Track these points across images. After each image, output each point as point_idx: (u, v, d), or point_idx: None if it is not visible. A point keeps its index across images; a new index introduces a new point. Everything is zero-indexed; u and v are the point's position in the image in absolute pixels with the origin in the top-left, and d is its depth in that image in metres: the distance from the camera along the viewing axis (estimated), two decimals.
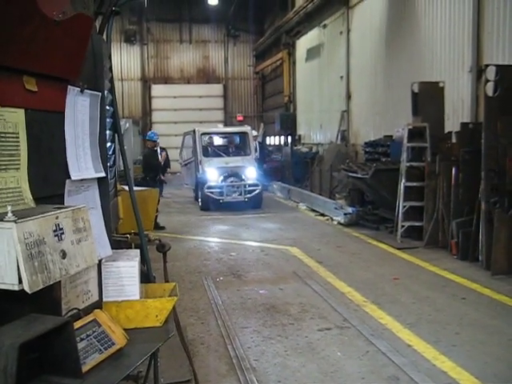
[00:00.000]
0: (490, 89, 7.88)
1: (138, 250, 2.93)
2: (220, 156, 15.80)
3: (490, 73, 7.97)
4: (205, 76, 29.29)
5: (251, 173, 14.72)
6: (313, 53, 21.47)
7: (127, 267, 2.68)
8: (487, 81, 7.97)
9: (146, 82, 28.49)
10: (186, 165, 17.25)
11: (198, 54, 29.23)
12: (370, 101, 15.93)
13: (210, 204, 14.44)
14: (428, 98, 9.99)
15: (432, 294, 6.68)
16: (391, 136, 12.71)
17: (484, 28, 10.34)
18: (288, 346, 5.15)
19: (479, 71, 10.21)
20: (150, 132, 14.44)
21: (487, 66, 8.32)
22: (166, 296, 2.86)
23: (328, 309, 6.23)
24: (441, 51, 11.87)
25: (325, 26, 19.84)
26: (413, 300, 6.48)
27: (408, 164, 9.68)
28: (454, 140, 9.52)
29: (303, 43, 22.80)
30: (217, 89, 29.36)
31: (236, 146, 17.04)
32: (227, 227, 12.14)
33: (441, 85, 10.16)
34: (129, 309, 2.59)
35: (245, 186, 14.27)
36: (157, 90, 28.49)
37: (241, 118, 28.36)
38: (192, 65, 29.16)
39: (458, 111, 11.01)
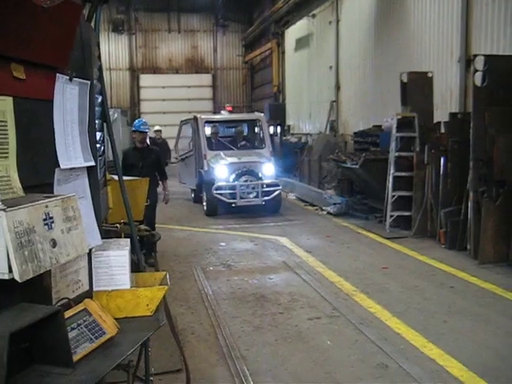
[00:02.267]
0: (478, 79, 7.91)
1: (128, 240, 2.92)
2: (228, 149, 12.98)
3: (479, 63, 8.00)
4: (193, 66, 29.13)
5: (269, 170, 12.13)
6: (302, 43, 21.42)
7: (117, 256, 2.68)
8: (476, 71, 8.00)
9: (135, 72, 28.29)
10: (182, 159, 14.39)
11: (186, 43, 29.04)
12: (359, 91, 15.94)
13: (219, 208, 11.95)
14: (417, 88, 10.01)
15: (420, 282, 6.73)
16: (380, 126, 12.73)
17: (472, 18, 10.36)
18: (278, 335, 5.18)
19: (468, 61, 10.24)
20: (137, 121, 8.92)
21: (476, 56, 8.35)
22: (157, 285, 2.86)
23: (318, 298, 6.26)
24: (429, 41, 11.89)
25: (314, 16, 19.78)
26: (401, 289, 6.52)
27: (397, 154, 9.71)
28: (442, 130, 9.55)
29: (292, 33, 22.74)
30: (206, 79, 29.22)
31: (246, 137, 14.55)
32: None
33: (429, 75, 10.18)
34: (119, 298, 2.58)
35: (262, 186, 11.65)
36: (145, 79, 28.31)
37: (230, 109, 28.26)
38: (180, 54, 28.98)
39: (446, 101, 11.05)
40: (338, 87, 17.74)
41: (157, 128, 16.52)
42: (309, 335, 5.15)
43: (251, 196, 11.69)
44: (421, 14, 12.26)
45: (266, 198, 11.65)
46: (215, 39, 29.27)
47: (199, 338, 5.14)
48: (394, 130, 9.80)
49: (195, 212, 12.62)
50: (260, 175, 11.84)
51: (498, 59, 8.00)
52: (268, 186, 11.75)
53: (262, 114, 14.26)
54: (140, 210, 4.01)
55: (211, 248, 8.89)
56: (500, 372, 4.28)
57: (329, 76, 18.30)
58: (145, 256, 3.62)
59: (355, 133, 14.49)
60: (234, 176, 11.71)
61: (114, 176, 3.99)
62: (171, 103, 27.28)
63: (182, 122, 14.86)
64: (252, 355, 4.72)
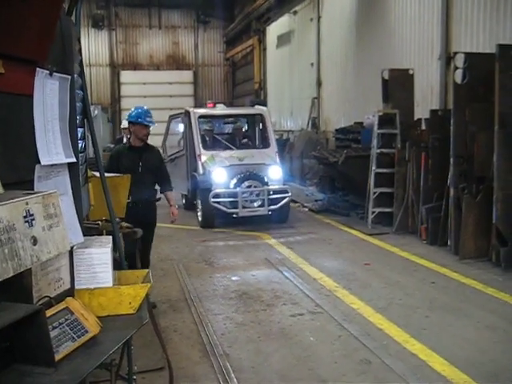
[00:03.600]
0: (458, 76, 7.97)
1: (110, 237, 2.89)
2: (227, 148, 11.12)
3: (459, 60, 8.06)
4: (174, 62, 28.94)
5: (276, 173, 10.41)
6: (283, 39, 21.41)
7: (99, 254, 2.64)
8: (456, 68, 8.06)
9: (115, 68, 28.02)
10: (171, 160, 12.25)
11: (167, 39, 28.84)
12: (341, 88, 15.99)
13: (216, 219, 10.22)
14: (398, 85, 10.06)
15: (402, 278, 6.78)
16: (361, 123, 12.79)
17: (453, 16, 10.44)
18: (261, 331, 5.17)
19: (448, 58, 10.32)
20: (135, 109, 6.24)
21: (456, 53, 8.41)
22: (139, 283, 2.83)
23: (300, 295, 6.27)
24: (410, 38, 11.96)
25: (295, 13, 19.78)
26: (384, 285, 6.56)
27: (378, 151, 9.76)
28: (423, 127, 9.62)
29: (274, 30, 22.72)
30: (187, 75, 29.05)
31: (246, 135, 12.44)
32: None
33: (410, 72, 10.25)
34: (102, 296, 2.54)
35: (269, 193, 9.94)
36: (126, 76, 28.06)
37: (211, 105, 28.17)
38: (161, 51, 28.76)
39: (427, 98, 11.13)
40: (319, 84, 17.77)
41: (126, 125, 13.96)
42: (292, 332, 5.15)
43: (255, 205, 9.97)
44: (401, 10, 12.32)
45: (273, 207, 9.93)
46: (196, 35, 29.11)
47: (182, 336, 5.12)
48: (375, 127, 9.85)
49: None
50: (266, 180, 10.09)
51: (477, 56, 8.07)
52: (275, 192, 10.05)
53: (266, 108, 12.29)
54: (122, 207, 3.97)
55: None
56: (481, 366, 4.32)
57: (310, 73, 18.32)
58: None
59: (337, 130, 14.53)
60: (234, 181, 9.98)
61: (95, 173, 3.94)
62: (152, 100, 27.02)
63: (170, 116, 13.24)
64: (235, 352, 4.71)
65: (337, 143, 14.22)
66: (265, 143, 11.57)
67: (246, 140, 12.08)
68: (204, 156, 10.57)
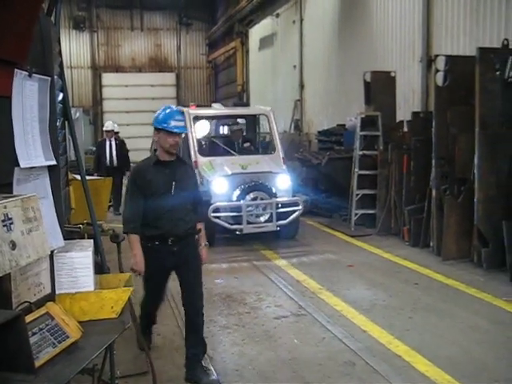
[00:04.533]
0: (439, 79, 8.03)
1: (92, 240, 2.85)
2: (227, 154, 9.76)
3: (440, 63, 8.12)
4: (157, 65, 28.82)
5: (284, 183, 9.02)
6: (266, 42, 21.43)
7: (81, 258, 2.61)
8: (437, 71, 8.12)
9: (97, 71, 27.82)
10: None
11: (149, 42, 28.71)
12: (323, 90, 16.04)
13: (216, 236, 8.66)
14: (380, 88, 10.12)
15: (386, 280, 6.80)
16: (344, 125, 12.83)
17: (434, 19, 10.53)
18: (245, 334, 5.15)
19: (429, 61, 10.40)
20: (163, 111, 4.25)
21: (437, 56, 8.48)
22: (121, 287, 2.80)
23: (284, 297, 6.26)
24: (392, 41, 12.04)
25: (278, 15, 19.81)
26: (367, 286, 6.58)
27: (361, 152, 9.80)
28: (405, 129, 9.69)
29: (256, 32, 22.73)
30: (169, 78, 28.94)
31: (247, 138, 10.85)
32: None
33: (392, 74, 10.31)
34: (83, 300, 2.51)
35: (277, 206, 8.62)
36: (107, 78, 27.87)
37: (194, 108, 28.08)
38: (144, 53, 28.63)
39: (409, 100, 11.20)
40: (302, 86, 17.81)
41: (106, 127, 12.78)
42: (276, 334, 5.13)
43: (262, 220, 8.63)
44: (383, 13, 12.40)
45: (282, 222, 8.63)
46: (179, 38, 29.02)
47: (165, 339, 5.07)
48: (357, 129, 9.89)
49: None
50: (274, 191, 8.74)
51: (458, 59, 8.13)
52: (284, 205, 8.73)
53: (270, 108, 10.63)
54: (103, 210, 3.96)
55: None
56: (464, 366, 4.34)
57: (293, 75, 18.36)
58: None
59: (319, 132, 14.57)
60: (237, 192, 8.64)
61: (76, 176, 3.90)
62: (134, 102, 26.93)
63: None
64: (219, 355, 4.68)
65: (319, 145, 14.24)
66: (269, 148, 10.37)
67: (247, 144, 10.56)
68: (201, 163, 9.17)
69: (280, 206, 8.66)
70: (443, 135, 7.81)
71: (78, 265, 2.59)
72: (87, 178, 3.27)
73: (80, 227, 3.34)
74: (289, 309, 5.83)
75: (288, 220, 8.66)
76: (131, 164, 12.00)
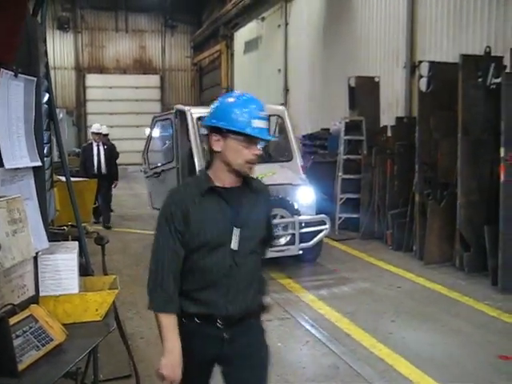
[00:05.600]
0: (423, 84, 8.11)
1: (77, 242, 2.83)
2: None
3: (424, 69, 8.19)
4: (141, 66, 28.72)
5: (307, 197, 7.85)
6: (251, 45, 21.47)
7: (65, 260, 2.59)
8: (421, 76, 8.19)
9: (81, 72, 27.65)
10: (157, 175, 9.57)
11: (134, 43, 28.61)
12: (308, 94, 16.11)
13: None
14: (364, 93, 10.19)
15: (369, 284, 6.83)
16: (328, 129, 12.89)
17: (417, 25, 10.64)
18: None
19: (413, 67, 10.49)
20: (229, 99, 2.37)
21: (420, 62, 8.56)
22: (106, 289, 2.78)
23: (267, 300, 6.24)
24: (376, 46, 12.14)
25: (263, 19, 19.87)
26: (351, 290, 6.60)
27: (345, 157, 9.85)
28: (389, 134, 9.76)
29: (241, 35, 22.77)
30: (154, 80, 28.86)
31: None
32: None
33: (376, 79, 10.39)
34: (67, 303, 2.49)
35: (300, 226, 7.31)
36: (91, 79, 27.71)
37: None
38: (128, 55, 28.52)
39: (392, 105, 11.29)
40: (286, 90, 17.87)
41: (97, 129, 11.18)
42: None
43: (282, 242, 7.31)
44: (368, 18, 12.50)
45: (305, 244, 7.31)
46: (163, 40, 28.96)
47: (149, 343, 5.04)
48: (342, 133, 9.95)
49: None
50: (296, 207, 7.47)
51: (441, 66, 8.21)
52: (308, 224, 7.43)
53: (283, 108, 9.54)
54: (88, 212, 3.91)
55: None
56: (447, 369, 4.38)
57: (277, 79, 18.41)
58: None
59: (304, 136, 14.61)
60: None
61: (60, 177, 3.87)
62: (118, 104, 26.81)
63: (155, 118, 10.22)
64: None
65: (304, 149, 14.28)
66: (285, 154, 8.87)
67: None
68: None
69: (303, 225, 7.36)
70: (426, 140, 7.89)
71: (63, 267, 2.57)
72: (71, 179, 3.25)
73: (64, 229, 3.31)
74: (273, 313, 5.81)
75: (313, 242, 7.33)
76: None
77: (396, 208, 8.68)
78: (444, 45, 9.81)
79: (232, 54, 24.07)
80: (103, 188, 10.24)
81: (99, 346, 3.03)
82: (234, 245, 2.32)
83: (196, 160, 7.82)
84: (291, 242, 7.24)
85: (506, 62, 7.28)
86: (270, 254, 6.19)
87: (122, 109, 26.37)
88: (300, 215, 7.36)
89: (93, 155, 10.82)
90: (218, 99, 2.40)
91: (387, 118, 10.44)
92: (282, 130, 9.15)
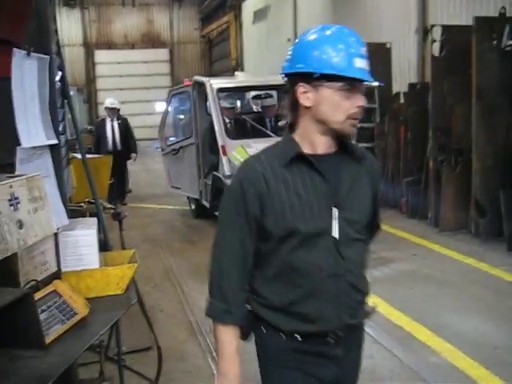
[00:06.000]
0: (436, 49, 7.98)
1: (95, 218, 2.86)
2: (261, 136, 7.70)
3: (436, 33, 8.06)
4: (150, 41, 28.56)
5: None
6: (260, 15, 21.21)
7: (85, 236, 2.62)
8: (433, 41, 8.06)
9: (89, 48, 27.57)
10: (175, 152, 9.12)
11: (141, 17, 28.40)
12: None
13: None
14: (376, 59, 9.99)
15: (384, 252, 6.80)
16: None
17: None
18: None
19: (425, 32, 10.31)
20: (335, 29, 1.75)
21: (433, 26, 8.40)
22: (126, 263, 2.82)
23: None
24: (387, 12, 11.93)
25: None
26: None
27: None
28: (401, 100, 9.65)
29: (250, 5, 22.48)
30: (163, 53, 28.71)
31: (280, 115, 8.58)
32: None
33: (388, 46, 10.23)
34: (89, 278, 2.53)
35: None
36: (100, 55, 27.64)
37: (188, 83, 27.92)
38: (136, 29, 28.34)
39: (405, 72, 11.14)
40: None
41: (111, 104, 10.74)
42: None
43: None
44: None
45: None
46: (171, 13, 28.71)
47: (168, 316, 5.13)
48: None
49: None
50: None
51: (454, 29, 8.06)
52: None
53: None
54: (104, 188, 3.94)
55: None
56: (465, 334, 4.41)
57: (287, 48, 18.15)
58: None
59: None
60: None
61: (75, 154, 3.90)
62: (128, 79, 26.77)
63: (171, 92, 9.73)
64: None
65: None
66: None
67: (283, 122, 8.20)
68: (231, 148, 7.26)
69: None
70: (440, 106, 7.80)
71: (83, 243, 2.60)
72: (88, 156, 3.27)
73: (82, 206, 3.34)
74: None
75: None
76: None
77: (410, 175, 8.63)
78: (457, 7, 9.61)
79: (241, 25, 23.81)
80: (118, 166, 9.42)
81: (121, 319, 3.09)
82: (336, 232, 1.73)
83: (218, 135, 7.47)
84: None
85: None
86: None
87: (133, 84, 26.33)
88: None
89: (106, 131, 10.44)
90: (299, 36, 1.81)
91: (400, 85, 10.31)
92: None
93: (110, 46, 27.92)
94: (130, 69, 27.07)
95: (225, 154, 7.27)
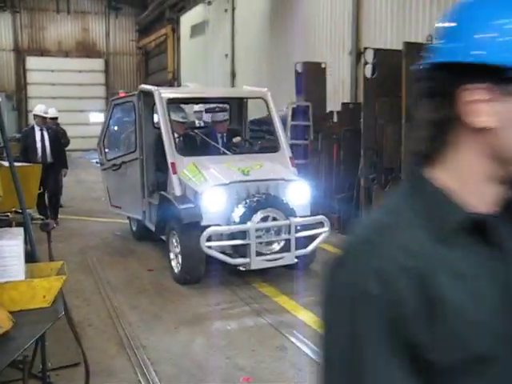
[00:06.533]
0: (368, 71, 8.26)
1: (22, 228, 2.77)
2: (213, 153, 7.20)
3: (369, 56, 8.35)
4: (85, 50, 27.99)
5: (301, 194, 6.51)
6: (197, 29, 21.28)
7: (10, 246, 2.53)
8: (366, 63, 8.34)
9: (20, 54, 26.70)
10: (116, 167, 8.15)
11: (76, 25, 27.81)
12: (255, 79, 16.08)
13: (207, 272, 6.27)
14: (311, 78, 10.28)
15: (315, 266, 6.91)
16: None
17: (363, 13, 10.81)
18: (178, 322, 5.15)
19: (358, 54, 10.67)
20: None
21: (366, 49, 8.71)
22: (54, 275, 2.74)
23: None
24: (323, 33, 12.26)
25: (210, 3, 19.69)
26: (298, 272, 6.70)
27: (292, 142, 9.93)
28: (335, 119, 9.91)
29: (188, 19, 22.52)
30: (98, 63, 28.19)
31: (236, 131, 8.37)
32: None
33: (323, 65, 10.49)
34: (13, 290, 2.44)
35: (296, 229, 6.13)
36: (32, 62, 26.80)
37: (123, 95, 27.55)
38: (71, 37, 27.71)
39: (338, 91, 11.46)
40: (233, 75, 17.83)
41: (41, 112, 9.73)
42: (209, 321, 5.18)
43: (276, 248, 6.08)
44: (315, 5, 12.59)
45: (302, 251, 6.20)
46: (107, 22, 28.29)
47: (97, 330, 5.00)
48: (289, 119, 10.01)
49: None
50: (291, 207, 6.17)
51: (386, 53, 8.38)
52: (304, 227, 6.28)
53: (266, 89, 8.10)
54: (33, 198, 3.82)
55: None
56: None
57: (224, 64, 18.34)
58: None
59: (251, 121, 14.61)
60: (241, 210, 5.96)
61: (2, 162, 3.77)
62: (61, 88, 26.08)
63: (112, 101, 8.75)
64: (152, 343, 4.66)
65: (251, 134, 14.32)
66: (274, 144, 7.73)
67: (238, 139, 8.06)
68: (182, 166, 6.55)
69: (298, 228, 6.18)
70: (371, 126, 8.06)
71: (8, 253, 2.51)
72: (16, 164, 3.17)
73: (8, 215, 3.22)
74: (221, 297, 5.87)
75: (310, 248, 6.25)
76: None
77: (342, 192, 8.84)
78: (388, 33, 10.01)
79: (178, 38, 23.79)
80: (49, 179, 9.01)
81: (47, 334, 2.99)
82: None
83: (167, 150, 6.63)
84: (286, 249, 6.05)
85: None
86: (264, 263, 5.93)
87: (66, 93, 25.68)
88: (296, 216, 6.12)
89: (35, 141, 9.40)
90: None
91: (333, 104, 10.59)
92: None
93: (42, 52, 27.15)
94: (63, 77, 26.42)
95: (175, 172, 6.51)
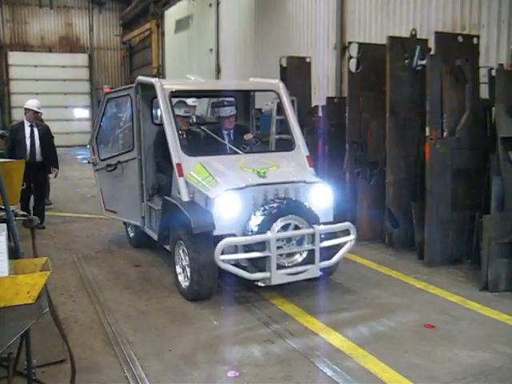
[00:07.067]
0: (353, 65, 8.28)
1: (5, 225, 2.74)
2: (223, 152, 6.55)
3: (353, 50, 8.36)
4: (68, 45, 27.76)
5: (324, 198, 5.86)
6: (182, 24, 21.19)
7: None
8: (350, 57, 8.36)
9: (2, 49, 26.40)
10: (111, 168, 7.34)
11: (60, 20, 27.56)
12: (240, 74, 16.08)
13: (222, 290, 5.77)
14: (296, 73, 10.28)
15: (337, 277, 6.73)
16: (261, 109, 12.94)
17: (347, 6, 10.83)
18: (164, 318, 5.14)
19: (343, 48, 10.69)
20: None
21: (350, 43, 8.72)
22: (38, 271, 2.72)
23: None
24: (307, 27, 12.27)
25: None
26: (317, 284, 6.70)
27: (277, 136, 9.92)
28: (320, 114, 9.92)
29: (172, 14, 22.42)
30: (81, 59, 27.97)
31: (243, 127, 7.50)
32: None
33: (308, 60, 10.50)
34: None
35: (321, 239, 5.45)
36: (15, 57, 26.51)
37: (108, 90, 27.35)
38: (54, 32, 27.45)
39: (323, 86, 11.49)
40: (218, 70, 17.79)
41: (33, 106, 9.03)
42: (195, 317, 5.16)
43: (298, 260, 5.42)
44: (299, 0, 12.59)
45: (326, 262, 5.56)
46: (91, 17, 28.07)
47: (83, 327, 4.97)
48: (274, 113, 9.98)
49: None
50: (314, 213, 5.54)
51: (370, 47, 8.41)
52: (330, 236, 5.67)
53: (279, 81, 7.19)
54: (16, 194, 3.79)
55: None
56: (373, 341, 4.57)
57: (209, 58, 18.30)
58: None
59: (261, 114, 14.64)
60: (258, 218, 5.29)
61: None
62: (45, 83, 25.83)
63: (106, 95, 7.80)
64: (139, 340, 4.64)
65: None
66: (284, 141, 7.40)
67: (249, 136, 7.10)
68: (188, 168, 5.81)
69: (323, 236, 5.52)
70: (356, 120, 8.09)
71: None
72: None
73: None
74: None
75: (335, 259, 5.63)
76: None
77: None
78: (372, 27, 10.05)
79: (163, 33, 23.69)
80: (37, 179, 8.73)
81: (33, 331, 2.97)
82: None
83: (172, 150, 5.84)
84: (310, 261, 5.39)
85: (431, 45, 7.54)
86: (286, 278, 5.21)
87: (49, 88, 25.44)
88: (319, 224, 5.47)
89: (25, 137, 8.79)
90: None
91: (318, 98, 10.61)
92: (279, 109, 7.40)
93: (25, 47, 26.88)
94: (46, 73, 26.17)
95: (181, 174, 5.74)
